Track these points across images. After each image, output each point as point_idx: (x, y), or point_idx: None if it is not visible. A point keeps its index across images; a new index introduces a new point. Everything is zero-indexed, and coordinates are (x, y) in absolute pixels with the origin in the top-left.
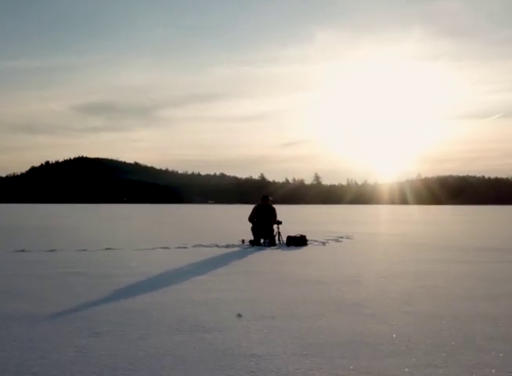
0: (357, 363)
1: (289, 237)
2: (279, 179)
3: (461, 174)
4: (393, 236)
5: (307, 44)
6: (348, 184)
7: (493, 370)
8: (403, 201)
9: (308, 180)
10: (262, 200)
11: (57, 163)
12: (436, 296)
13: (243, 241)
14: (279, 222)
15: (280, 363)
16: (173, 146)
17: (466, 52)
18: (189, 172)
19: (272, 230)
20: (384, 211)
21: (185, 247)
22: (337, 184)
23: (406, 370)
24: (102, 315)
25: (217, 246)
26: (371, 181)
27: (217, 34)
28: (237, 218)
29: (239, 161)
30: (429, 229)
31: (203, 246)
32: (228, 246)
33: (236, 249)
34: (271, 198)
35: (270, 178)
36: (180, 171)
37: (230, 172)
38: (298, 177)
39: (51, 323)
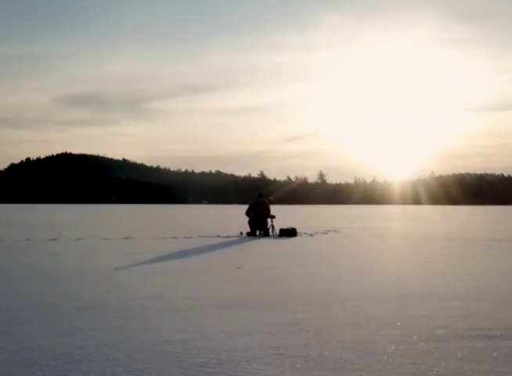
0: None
1: (281, 229)
2: (281, 177)
3: (479, 171)
4: (377, 230)
5: (310, 29)
6: (356, 182)
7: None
8: (416, 201)
9: (312, 178)
10: (258, 197)
11: (38, 159)
12: (370, 258)
13: (241, 233)
14: (273, 216)
15: (256, 282)
16: (165, 141)
17: (485, 38)
18: (183, 170)
19: (266, 223)
20: (390, 211)
21: (191, 237)
22: (343, 183)
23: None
24: (151, 267)
25: (218, 236)
26: (380, 179)
27: (212, 19)
28: (235, 216)
29: (237, 158)
30: (416, 226)
31: (207, 236)
32: (228, 236)
33: (236, 239)
34: (271, 198)
35: (270, 176)
36: (172, 169)
37: (227, 170)
38: (301, 175)
39: (126, 271)
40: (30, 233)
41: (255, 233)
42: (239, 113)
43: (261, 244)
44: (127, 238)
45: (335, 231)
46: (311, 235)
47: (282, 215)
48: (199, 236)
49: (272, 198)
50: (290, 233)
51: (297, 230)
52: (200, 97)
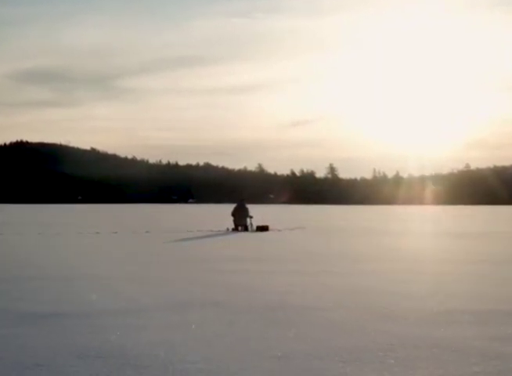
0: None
1: (257, 226)
2: (283, 171)
3: None
4: (338, 227)
5: None
6: (374, 177)
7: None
8: (449, 200)
9: (321, 172)
10: (240, 201)
11: None
12: (313, 241)
13: (227, 229)
14: (251, 216)
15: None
16: (142, 126)
17: None
18: (164, 162)
19: (246, 221)
20: (402, 212)
21: (191, 231)
22: (358, 178)
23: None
24: (174, 243)
25: (211, 230)
26: (404, 173)
27: None
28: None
29: (230, 147)
30: (384, 224)
31: (204, 230)
32: (219, 230)
33: (224, 232)
34: (271, 196)
35: (271, 169)
36: (151, 161)
37: (218, 162)
38: (308, 168)
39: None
40: (78, 226)
41: (238, 228)
42: (233, 92)
43: (241, 236)
44: (147, 232)
45: (301, 228)
46: (280, 230)
47: (277, 214)
48: (197, 230)
49: (272, 196)
50: (263, 228)
51: (270, 227)
52: (185, 73)
